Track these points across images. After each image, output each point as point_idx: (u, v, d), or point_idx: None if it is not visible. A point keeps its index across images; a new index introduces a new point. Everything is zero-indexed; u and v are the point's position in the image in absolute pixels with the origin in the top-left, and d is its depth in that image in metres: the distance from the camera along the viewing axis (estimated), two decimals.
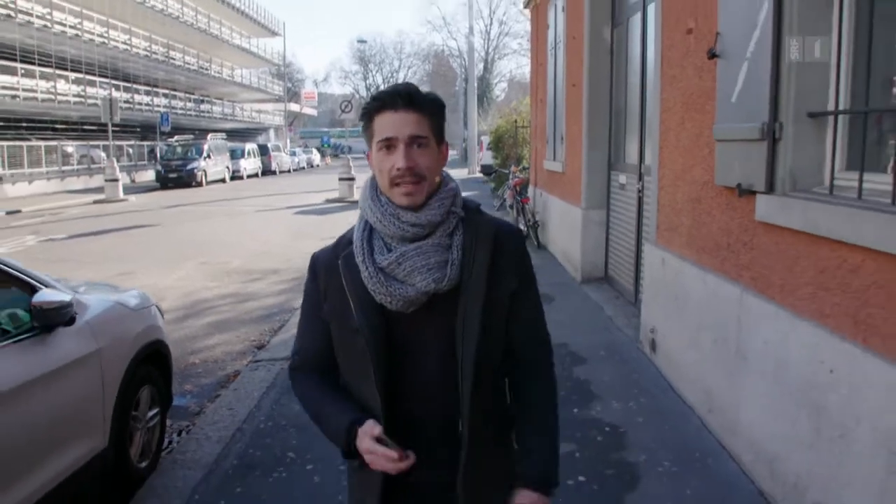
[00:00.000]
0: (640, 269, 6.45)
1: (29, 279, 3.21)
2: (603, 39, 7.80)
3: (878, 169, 2.78)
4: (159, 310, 4.43)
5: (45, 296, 3.09)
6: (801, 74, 3.08)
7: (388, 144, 1.51)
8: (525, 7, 13.21)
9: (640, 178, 6.49)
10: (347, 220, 15.67)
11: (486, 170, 26.01)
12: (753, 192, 3.39)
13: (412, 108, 1.51)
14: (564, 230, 9.30)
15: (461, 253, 1.54)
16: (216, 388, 5.54)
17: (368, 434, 1.49)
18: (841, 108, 2.98)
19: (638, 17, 6.54)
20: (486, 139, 23.55)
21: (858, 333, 2.60)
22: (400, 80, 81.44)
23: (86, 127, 31.89)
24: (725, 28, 3.72)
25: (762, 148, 3.24)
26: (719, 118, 3.81)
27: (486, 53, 64.41)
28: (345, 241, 1.63)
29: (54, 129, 29.94)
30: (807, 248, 2.98)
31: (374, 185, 1.59)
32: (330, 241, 1.68)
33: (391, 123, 1.50)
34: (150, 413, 4.08)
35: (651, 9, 5.84)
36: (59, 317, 3.12)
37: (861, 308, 2.59)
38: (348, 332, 1.58)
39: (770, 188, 3.25)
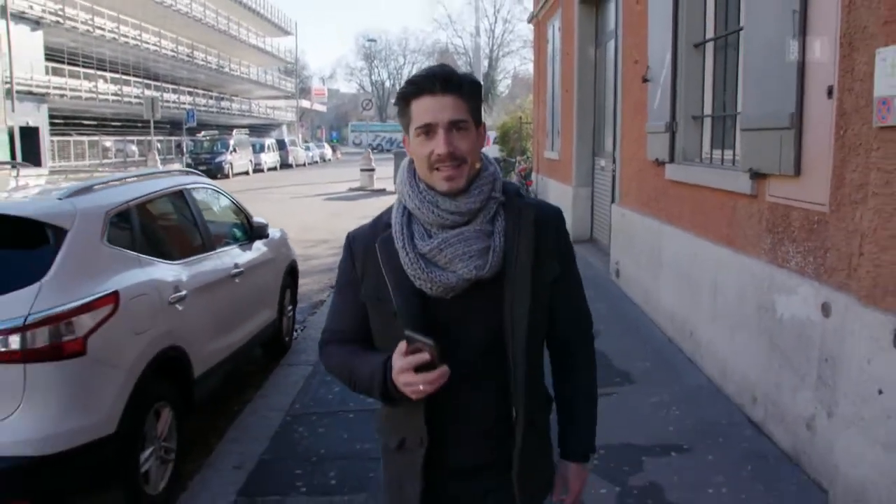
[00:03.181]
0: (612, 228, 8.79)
1: (245, 210, 5.56)
2: (588, 56, 10.12)
3: (721, 146, 5.12)
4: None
5: (258, 219, 5.45)
6: (687, 93, 5.40)
7: (428, 130, 1.47)
8: (529, 22, 15.57)
9: (614, 161, 8.79)
10: (375, 205, 18.03)
11: None
12: (664, 163, 5.72)
13: (450, 92, 1.47)
14: (560, 205, 11.61)
15: (503, 240, 1.51)
16: (311, 309, 7.91)
17: (399, 352, 1.43)
18: (706, 113, 5.31)
19: (612, 42, 8.84)
20: (492, 135, 25.90)
21: (706, 232, 4.94)
22: (405, 77, 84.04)
23: (114, 123, 34.35)
24: (652, 63, 6.05)
25: (667, 137, 5.58)
26: (649, 119, 6.15)
27: (491, 51, 66.64)
28: (382, 223, 1.60)
29: (84, 125, 32.34)
30: (688, 192, 5.32)
31: (411, 170, 1.56)
32: (365, 220, 1.67)
33: (429, 108, 1.47)
34: (289, 308, 6.42)
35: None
36: (264, 232, 5.48)
37: (706, 219, 4.93)
38: (386, 315, 1.55)
39: (672, 160, 5.58)
